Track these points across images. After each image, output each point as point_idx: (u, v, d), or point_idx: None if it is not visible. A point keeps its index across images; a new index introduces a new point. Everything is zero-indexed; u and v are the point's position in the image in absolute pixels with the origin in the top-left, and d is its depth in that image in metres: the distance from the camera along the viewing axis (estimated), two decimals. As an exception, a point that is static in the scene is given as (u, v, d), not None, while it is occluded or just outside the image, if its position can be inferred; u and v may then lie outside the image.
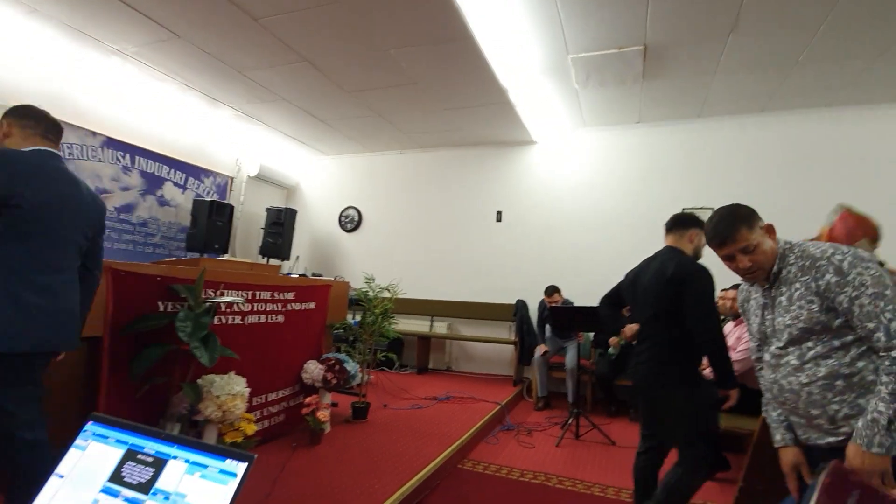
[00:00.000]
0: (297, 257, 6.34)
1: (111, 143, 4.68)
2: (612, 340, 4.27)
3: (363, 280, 3.80)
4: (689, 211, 5.03)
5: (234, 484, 0.76)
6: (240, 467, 0.77)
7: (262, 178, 6.44)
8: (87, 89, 4.49)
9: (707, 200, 4.99)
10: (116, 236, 4.73)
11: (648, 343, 2.07)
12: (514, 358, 5.36)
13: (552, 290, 4.71)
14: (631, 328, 2.33)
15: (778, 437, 1.42)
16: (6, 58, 3.87)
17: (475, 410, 3.90)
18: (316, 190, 7.07)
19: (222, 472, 0.78)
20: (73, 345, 1.70)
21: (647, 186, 5.29)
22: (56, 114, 4.45)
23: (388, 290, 3.70)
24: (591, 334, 4.87)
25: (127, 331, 2.11)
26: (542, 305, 4.89)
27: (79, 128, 4.39)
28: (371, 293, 3.65)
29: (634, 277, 2.22)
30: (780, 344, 1.36)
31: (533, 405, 4.65)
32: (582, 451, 3.39)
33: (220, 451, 0.80)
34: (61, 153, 1.76)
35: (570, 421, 3.74)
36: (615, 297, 2.41)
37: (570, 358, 4.36)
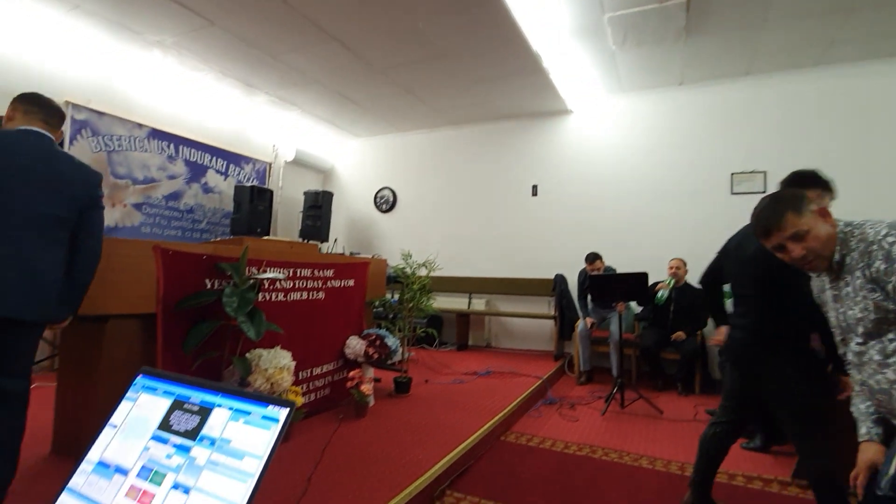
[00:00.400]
0: (336, 239, 6.45)
1: (156, 134, 4.87)
2: (661, 284, 4.14)
3: (401, 258, 3.82)
4: (739, 175, 4.76)
5: (276, 429, 0.77)
6: (282, 413, 0.79)
7: (298, 163, 6.56)
8: (132, 83, 4.68)
9: (758, 163, 4.70)
10: (166, 223, 4.96)
11: (749, 317, 1.91)
12: (554, 333, 5.29)
13: (593, 258, 4.55)
14: (721, 333, 2.16)
15: (863, 430, 1.31)
16: (55, 56, 4.07)
17: (516, 385, 3.88)
18: (351, 172, 7.15)
19: (265, 417, 0.79)
20: (32, 314, 1.61)
21: (692, 151, 5.02)
22: (104, 107, 4.67)
23: (426, 266, 3.70)
24: (634, 303, 4.73)
25: (179, 308, 2.21)
26: (582, 274, 4.73)
27: (126, 120, 4.59)
28: (408, 269, 3.66)
29: (737, 246, 2.04)
30: (859, 339, 1.25)
31: (575, 380, 4.59)
32: (628, 424, 3.32)
33: (262, 399, 0.81)
34: (63, 137, 1.79)
35: (614, 391, 3.67)
36: (715, 273, 2.21)
37: (613, 329, 4.26)
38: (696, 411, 3.62)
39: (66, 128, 4.09)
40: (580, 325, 4.61)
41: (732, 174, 4.81)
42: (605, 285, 4.07)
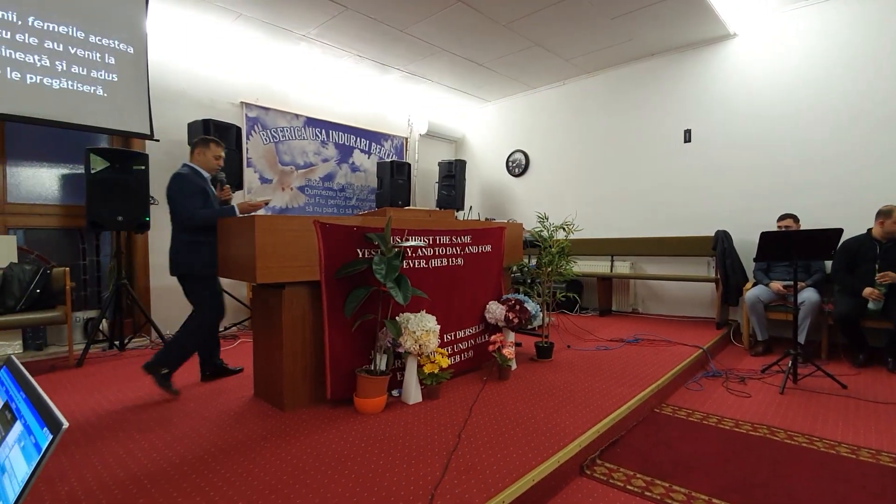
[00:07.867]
0: (471, 207, 6.55)
1: (311, 122, 5.42)
2: (869, 292, 3.37)
3: (536, 221, 3.71)
4: None
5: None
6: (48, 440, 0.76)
7: (431, 135, 6.75)
8: (287, 77, 5.25)
9: None
10: (324, 202, 5.56)
11: None
12: (716, 297, 4.69)
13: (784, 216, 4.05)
14: None
15: None
16: (225, 63, 4.73)
17: (671, 353, 3.55)
18: (481, 139, 7.12)
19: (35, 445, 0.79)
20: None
21: (916, 63, 3.85)
22: (268, 103, 5.32)
23: (564, 228, 3.53)
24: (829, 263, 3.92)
25: (338, 275, 2.45)
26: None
27: (287, 113, 5.19)
28: (545, 233, 3.54)
29: None
30: None
31: (746, 350, 4.03)
32: (817, 404, 2.80)
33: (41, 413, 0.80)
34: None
35: (784, 361, 3.13)
36: None
37: (809, 292, 3.67)
38: (918, 393, 2.90)
39: (242, 125, 4.78)
40: (751, 288, 3.99)
41: (982, 86, 3.59)
42: (780, 244, 3.38)
